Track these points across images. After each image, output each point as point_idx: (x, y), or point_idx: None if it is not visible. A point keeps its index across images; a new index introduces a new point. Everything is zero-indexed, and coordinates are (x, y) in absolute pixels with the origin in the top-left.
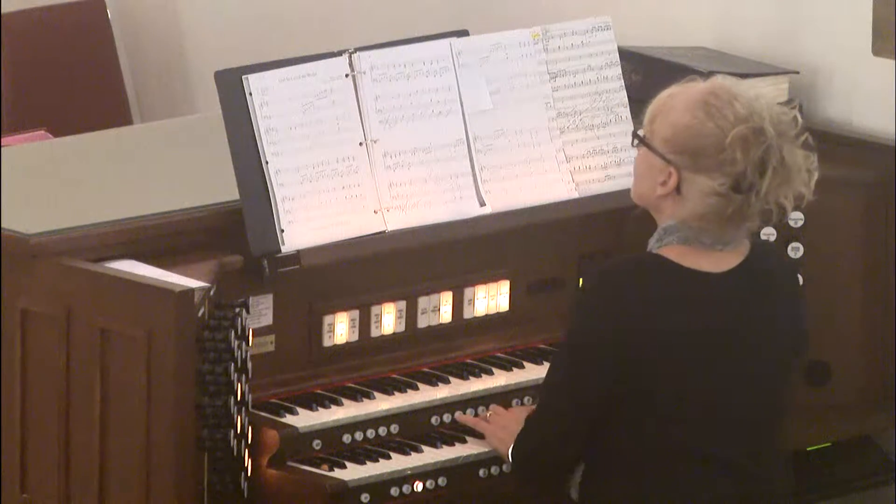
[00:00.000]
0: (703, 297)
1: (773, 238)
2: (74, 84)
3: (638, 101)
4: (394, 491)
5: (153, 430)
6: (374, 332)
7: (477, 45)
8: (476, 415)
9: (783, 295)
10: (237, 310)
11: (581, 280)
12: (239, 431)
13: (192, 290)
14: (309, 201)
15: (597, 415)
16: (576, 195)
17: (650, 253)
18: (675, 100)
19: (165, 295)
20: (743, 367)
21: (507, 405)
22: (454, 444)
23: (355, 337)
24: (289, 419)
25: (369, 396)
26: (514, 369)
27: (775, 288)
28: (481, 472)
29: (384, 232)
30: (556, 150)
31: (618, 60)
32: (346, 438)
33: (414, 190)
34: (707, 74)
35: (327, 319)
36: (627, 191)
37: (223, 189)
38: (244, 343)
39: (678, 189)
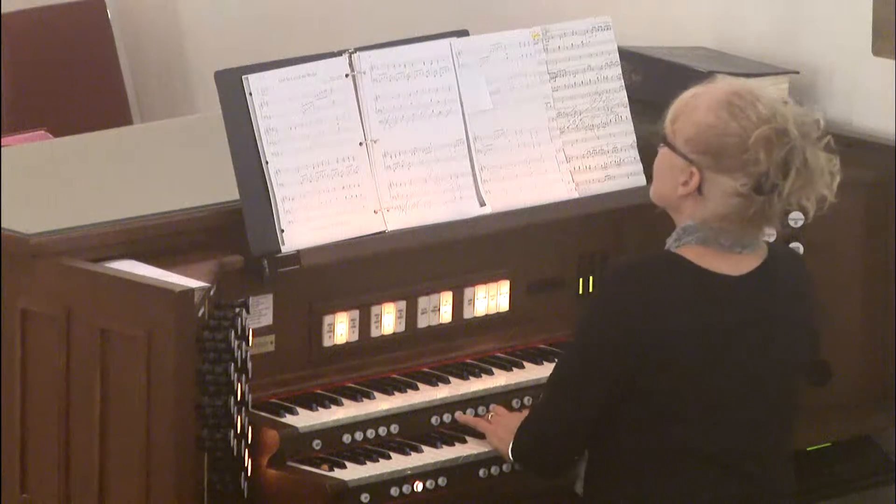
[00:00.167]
0: (718, 298)
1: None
2: (74, 84)
3: (638, 101)
4: (394, 491)
5: (153, 430)
6: (374, 332)
7: (477, 45)
8: (476, 415)
9: (799, 302)
10: (237, 310)
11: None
12: (239, 431)
13: (192, 290)
14: (309, 201)
15: (600, 413)
16: (576, 195)
17: (668, 252)
18: (698, 100)
19: (165, 295)
20: (751, 369)
21: (507, 405)
22: (454, 444)
23: (355, 337)
24: (289, 419)
25: (369, 396)
26: (514, 369)
27: (792, 295)
28: (481, 472)
29: (384, 232)
30: (556, 150)
31: (618, 60)
32: (346, 438)
33: (414, 190)
34: (707, 74)
35: (327, 319)
36: (627, 191)
37: (223, 189)
38: (244, 343)
39: (699, 189)
